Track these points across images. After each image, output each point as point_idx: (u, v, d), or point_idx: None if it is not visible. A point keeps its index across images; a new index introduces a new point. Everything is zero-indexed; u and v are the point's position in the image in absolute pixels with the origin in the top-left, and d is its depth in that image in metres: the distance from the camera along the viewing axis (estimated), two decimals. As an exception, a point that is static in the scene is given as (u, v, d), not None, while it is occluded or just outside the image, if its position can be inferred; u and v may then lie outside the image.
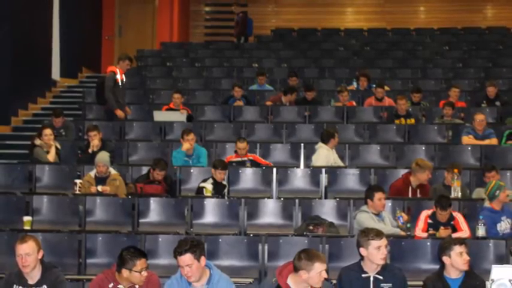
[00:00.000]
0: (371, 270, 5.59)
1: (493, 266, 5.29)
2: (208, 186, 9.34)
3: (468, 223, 8.12)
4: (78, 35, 17.37)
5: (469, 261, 5.73)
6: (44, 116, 13.88)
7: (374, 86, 13.72)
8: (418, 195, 9.12)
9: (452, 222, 8.08)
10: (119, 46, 19.76)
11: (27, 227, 8.26)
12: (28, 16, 14.54)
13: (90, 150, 10.39)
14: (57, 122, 11.64)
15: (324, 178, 10.00)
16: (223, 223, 8.85)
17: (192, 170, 10.12)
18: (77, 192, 9.29)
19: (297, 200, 9.03)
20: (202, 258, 5.36)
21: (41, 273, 5.80)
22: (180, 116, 12.41)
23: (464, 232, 7.95)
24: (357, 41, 18.72)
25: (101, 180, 9.45)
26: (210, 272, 5.44)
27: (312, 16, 21.06)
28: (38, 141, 10.62)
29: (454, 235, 7.71)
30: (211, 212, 8.93)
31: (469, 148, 10.95)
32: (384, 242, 5.56)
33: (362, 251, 5.59)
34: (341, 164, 10.53)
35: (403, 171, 9.62)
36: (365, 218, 7.96)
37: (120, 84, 12.11)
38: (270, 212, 8.99)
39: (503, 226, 8.21)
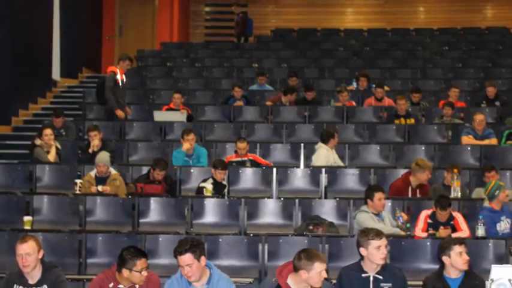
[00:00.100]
0: (371, 270, 5.60)
1: (493, 265, 5.29)
2: (208, 186, 9.33)
3: (468, 223, 8.12)
4: (78, 35, 17.36)
5: (468, 261, 5.73)
6: (44, 116, 13.87)
7: (374, 86, 13.72)
8: (418, 195, 9.12)
9: (452, 222, 8.08)
10: (119, 46, 19.75)
11: (27, 227, 8.26)
12: (28, 16, 14.53)
13: (90, 150, 10.40)
14: (57, 122, 11.64)
15: (323, 178, 10.00)
16: (223, 223, 8.86)
17: (192, 170, 10.12)
18: (77, 192, 9.29)
19: (296, 200, 9.04)
20: (203, 258, 5.36)
21: (42, 273, 5.80)
22: (180, 116, 12.41)
23: (464, 232, 7.95)
24: (356, 41, 18.72)
25: (101, 180, 9.45)
26: (210, 271, 5.44)
27: (311, 16, 21.05)
28: (38, 141, 10.62)
29: (454, 235, 7.71)
30: (211, 212, 8.93)
31: (469, 148, 10.95)
32: (383, 241, 5.57)
33: (362, 250, 5.59)
34: (341, 164, 10.53)
35: (402, 171, 9.62)
36: (365, 218, 7.97)
37: (120, 84, 12.12)
38: (270, 212, 8.99)
39: (502, 226, 8.21)
